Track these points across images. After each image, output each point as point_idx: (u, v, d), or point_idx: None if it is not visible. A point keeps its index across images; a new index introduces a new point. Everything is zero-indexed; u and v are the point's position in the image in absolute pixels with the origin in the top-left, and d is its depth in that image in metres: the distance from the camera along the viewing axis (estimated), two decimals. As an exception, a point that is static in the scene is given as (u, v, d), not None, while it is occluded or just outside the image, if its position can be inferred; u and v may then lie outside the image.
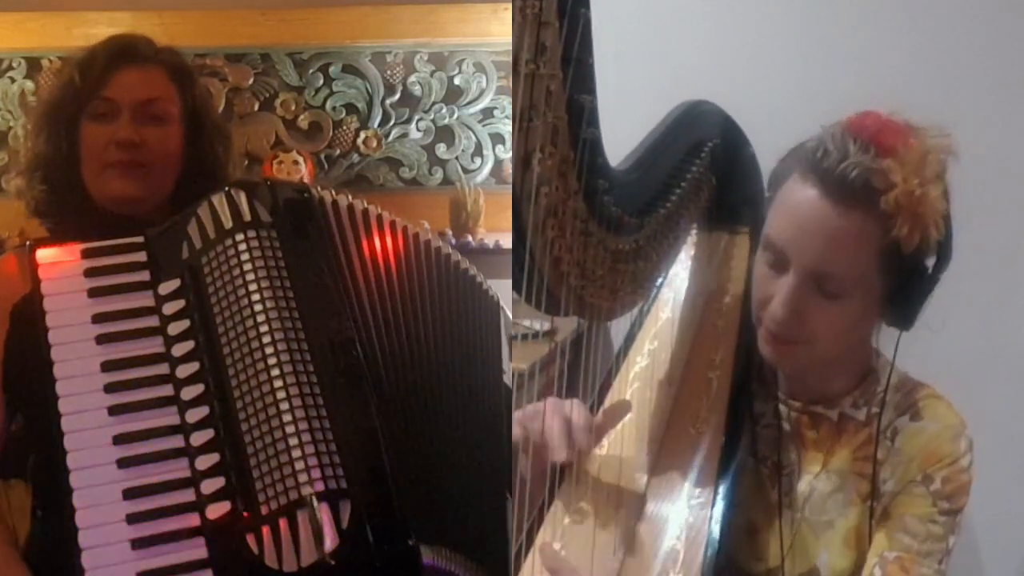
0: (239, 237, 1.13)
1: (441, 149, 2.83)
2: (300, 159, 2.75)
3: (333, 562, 0.98)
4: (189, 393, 1.08)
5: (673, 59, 1.76)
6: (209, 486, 1.03)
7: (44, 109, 1.37)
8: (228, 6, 2.78)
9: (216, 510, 1.02)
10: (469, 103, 2.83)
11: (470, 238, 2.70)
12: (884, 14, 1.73)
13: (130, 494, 1.03)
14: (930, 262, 1.09)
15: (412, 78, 2.82)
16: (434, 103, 2.83)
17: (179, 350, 1.10)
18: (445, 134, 2.84)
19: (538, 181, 1.00)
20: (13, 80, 2.76)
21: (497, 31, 2.76)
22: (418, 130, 2.83)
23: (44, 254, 1.15)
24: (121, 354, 1.10)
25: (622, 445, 1.21)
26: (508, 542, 1.16)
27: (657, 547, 1.12)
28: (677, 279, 1.37)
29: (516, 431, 1.15)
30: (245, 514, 1.01)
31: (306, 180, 2.71)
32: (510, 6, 0.98)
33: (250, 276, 1.10)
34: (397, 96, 2.83)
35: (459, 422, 1.22)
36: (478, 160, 2.84)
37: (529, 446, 1.13)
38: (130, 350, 1.10)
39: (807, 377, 1.21)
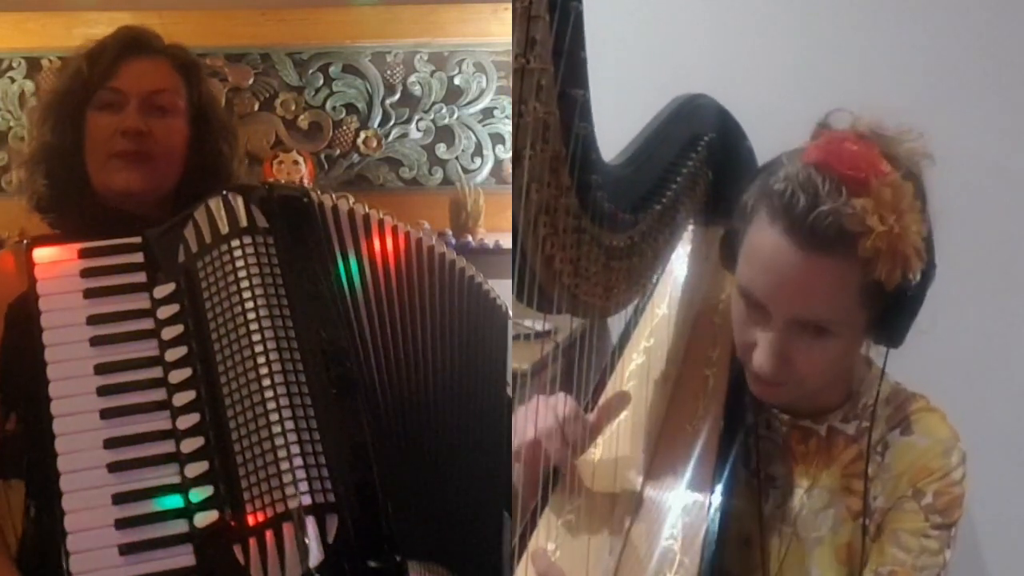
0: (235, 243, 1.11)
1: (441, 149, 2.83)
2: (300, 159, 2.75)
3: None
4: (181, 399, 1.06)
5: (669, 53, 1.74)
6: (198, 493, 1.02)
7: (51, 99, 1.36)
8: (228, 6, 2.79)
9: (204, 519, 1.01)
10: (469, 103, 2.83)
11: (470, 238, 2.70)
12: (882, 8, 1.71)
13: (120, 499, 1.02)
14: (915, 282, 1.05)
15: (412, 78, 2.82)
16: (434, 103, 2.83)
17: (172, 355, 1.09)
18: (445, 134, 2.83)
19: (529, 177, 0.98)
20: (13, 80, 2.77)
21: (497, 31, 2.76)
22: (418, 130, 2.83)
23: (41, 253, 1.14)
24: (115, 357, 1.09)
25: (617, 443, 1.20)
26: (503, 560, 1.15)
27: (653, 548, 1.11)
28: (673, 275, 1.35)
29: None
30: (232, 524, 1.00)
31: (306, 180, 2.72)
32: (510, 6, 0.97)
33: (244, 283, 1.09)
34: (397, 96, 2.82)
35: (458, 434, 1.20)
36: (478, 160, 2.83)
37: (521, 453, 1.12)
38: (124, 353, 1.09)
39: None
